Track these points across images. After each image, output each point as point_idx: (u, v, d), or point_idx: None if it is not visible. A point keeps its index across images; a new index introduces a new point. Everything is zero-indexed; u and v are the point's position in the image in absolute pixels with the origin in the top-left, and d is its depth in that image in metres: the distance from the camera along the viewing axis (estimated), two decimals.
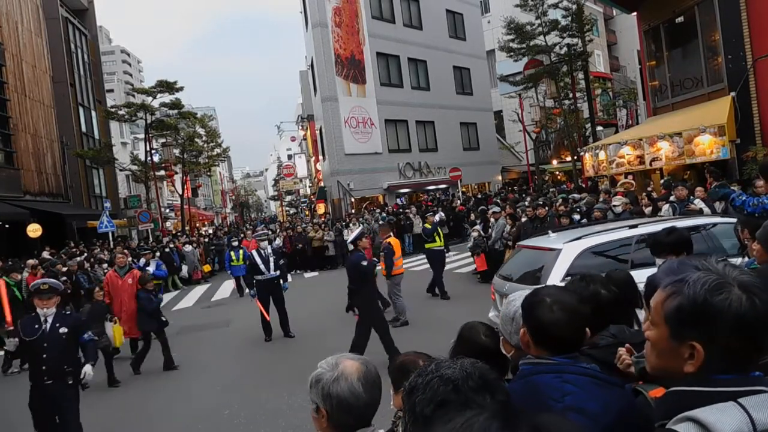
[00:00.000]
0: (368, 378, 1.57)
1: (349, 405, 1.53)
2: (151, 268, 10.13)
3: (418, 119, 25.79)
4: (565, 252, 5.36)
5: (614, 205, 9.23)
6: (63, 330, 4.49)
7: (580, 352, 1.64)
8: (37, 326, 4.44)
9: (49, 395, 4.41)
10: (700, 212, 7.51)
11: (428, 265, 10.94)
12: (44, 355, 4.39)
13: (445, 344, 2.17)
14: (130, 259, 12.76)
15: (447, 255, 11.91)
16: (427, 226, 10.92)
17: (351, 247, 7.43)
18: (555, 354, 1.53)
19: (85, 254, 15.07)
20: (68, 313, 4.67)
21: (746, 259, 3.38)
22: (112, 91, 40.72)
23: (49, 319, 4.49)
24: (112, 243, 18.28)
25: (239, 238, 17.54)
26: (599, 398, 1.38)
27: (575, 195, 12.94)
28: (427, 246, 10.84)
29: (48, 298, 4.48)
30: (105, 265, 13.22)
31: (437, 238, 10.70)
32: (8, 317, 5.32)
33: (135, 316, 8.53)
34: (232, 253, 13.29)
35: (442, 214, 12.98)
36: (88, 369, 4.59)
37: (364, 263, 6.81)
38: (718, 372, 1.03)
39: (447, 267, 11.53)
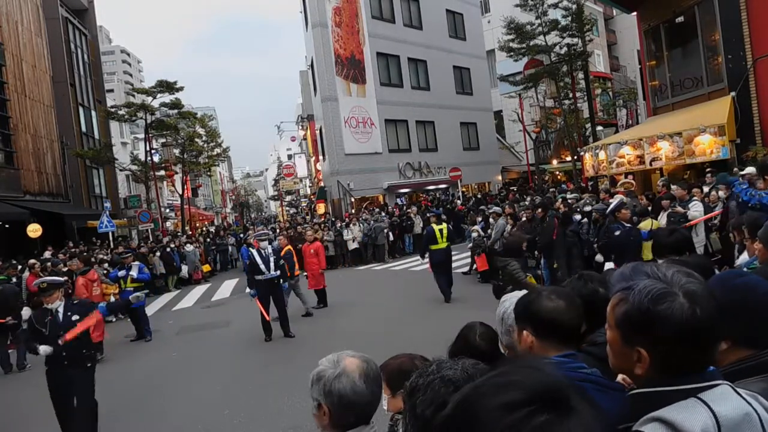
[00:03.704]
0: (369, 375, 1.57)
1: (350, 402, 1.52)
2: (133, 273, 9.77)
3: (418, 119, 25.78)
4: None
5: (608, 202, 9.24)
6: (76, 318, 4.81)
7: (579, 349, 1.65)
8: (50, 318, 4.77)
9: (67, 376, 4.75)
10: (684, 216, 7.90)
11: (428, 266, 10.34)
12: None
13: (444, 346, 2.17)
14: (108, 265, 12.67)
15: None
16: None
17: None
18: (561, 346, 1.54)
19: (84, 255, 15.06)
20: (75, 302, 5.16)
21: (746, 258, 3.33)
22: (112, 91, 40.70)
23: (60, 310, 4.82)
24: (112, 243, 18.29)
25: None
26: (602, 404, 1.39)
27: (577, 194, 12.91)
28: (434, 247, 9.84)
29: (50, 295, 4.81)
30: (105, 265, 13.24)
31: (440, 237, 9.94)
32: None
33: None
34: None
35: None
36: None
37: (617, 233, 7.17)
38: (673, 372, 1.06)
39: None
